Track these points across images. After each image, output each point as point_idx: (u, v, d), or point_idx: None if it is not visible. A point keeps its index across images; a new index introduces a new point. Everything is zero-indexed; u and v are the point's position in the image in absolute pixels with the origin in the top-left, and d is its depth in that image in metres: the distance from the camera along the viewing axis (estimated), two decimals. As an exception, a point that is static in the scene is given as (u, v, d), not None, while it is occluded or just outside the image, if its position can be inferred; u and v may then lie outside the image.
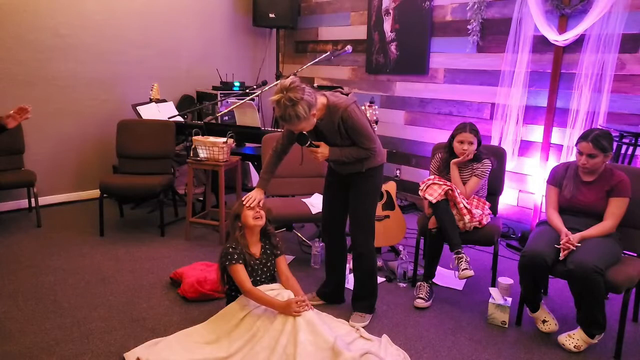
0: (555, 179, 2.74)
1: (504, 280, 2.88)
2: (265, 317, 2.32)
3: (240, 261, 2.44)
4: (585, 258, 2.34)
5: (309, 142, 2.44)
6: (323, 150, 2.48)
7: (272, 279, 2.57)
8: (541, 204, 3.93)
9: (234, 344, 2.28)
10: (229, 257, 2.44)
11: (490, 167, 3.00)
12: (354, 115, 2.39)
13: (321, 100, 2.39)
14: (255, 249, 2.55)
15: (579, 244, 2.44)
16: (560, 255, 2.45)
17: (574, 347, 2.45)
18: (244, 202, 2.53)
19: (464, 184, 3.02)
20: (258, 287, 2.42)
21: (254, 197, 2.54)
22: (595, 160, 2.52)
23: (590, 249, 2.41)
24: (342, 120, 2.39)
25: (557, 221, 2.64)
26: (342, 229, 2.81)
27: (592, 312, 2.39)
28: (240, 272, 2.42)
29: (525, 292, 2.61)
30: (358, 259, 2.70)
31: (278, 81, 3.17)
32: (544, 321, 2.62)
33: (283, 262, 2.61)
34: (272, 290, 2.41)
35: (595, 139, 2.49)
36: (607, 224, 2.51)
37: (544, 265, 2.44)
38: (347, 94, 2.51)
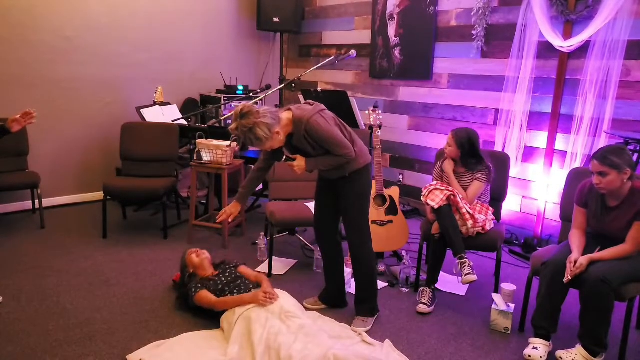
0: (580, 198, 2.55)
1: (507, 286, 2.88)
2: (262, 321, 2.37)
3: (199, 288, 2.68)
4: (597, 268, 2.26)
5: (284, 158, 2.54)
6: (299, 162, 2.52)
7: (238, 281, 2.72)
8: (544, 211, 3.93)
9: (235, 350, 2.30)
10: (190, 293, 2.69)
11: (491, 172, 3.00)
12: (316, 126, 2.39)
13: (286, 115, 2.42)
14: (211, 272, 2.86)
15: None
16: (564, 278, 2.32)
17: None
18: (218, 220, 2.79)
19: (466, 189, 3.03)
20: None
21: (228, 211, 2.74)
22: (609, 179, 2.29)
23: (609, 260, 2.31)
24: (306, 132, 2.41)
25: (574, 243, 2.47)
26: (335, 232, 2.81)
27: (594, 326, 2.29)
28: (204, 295, 2.65)
29: (542, 305, 2.42)
30: (356, 262, 2.70)
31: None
32: (534, 347, 2.39)
33: (246, 268, 2.87)
34: None
35: (602, 156, 2.30)
36: (625, 248, 2.33)
37: (564, 273, 2.33)
38: (312, 104, 2.50)
